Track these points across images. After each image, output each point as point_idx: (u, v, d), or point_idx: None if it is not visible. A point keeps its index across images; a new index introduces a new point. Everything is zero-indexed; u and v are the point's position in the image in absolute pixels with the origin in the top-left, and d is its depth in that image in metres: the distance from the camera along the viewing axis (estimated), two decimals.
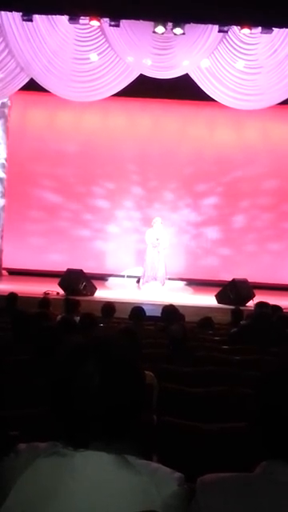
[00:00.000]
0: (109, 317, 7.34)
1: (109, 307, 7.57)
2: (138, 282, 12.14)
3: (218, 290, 10.90)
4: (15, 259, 13.37)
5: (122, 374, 1.28)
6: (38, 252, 13.55)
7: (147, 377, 3.06)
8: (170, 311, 6.79)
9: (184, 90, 11.61)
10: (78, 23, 10.34)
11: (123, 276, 13.37)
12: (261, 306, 6.57)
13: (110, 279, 13.22)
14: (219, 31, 10.34)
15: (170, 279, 12.13)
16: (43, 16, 10.34)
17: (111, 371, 1.27)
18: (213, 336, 6.44)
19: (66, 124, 13.93)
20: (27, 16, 10.17)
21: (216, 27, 10.27)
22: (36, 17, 10.26)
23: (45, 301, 7.85)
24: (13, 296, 7.77)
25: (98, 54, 10.86)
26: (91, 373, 1.25)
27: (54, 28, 10.54)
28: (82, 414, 1.24)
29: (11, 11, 10.20)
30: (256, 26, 10.09)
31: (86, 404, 1.24)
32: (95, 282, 11.14)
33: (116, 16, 10.03)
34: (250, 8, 9.24)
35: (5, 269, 13.40)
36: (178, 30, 10.06)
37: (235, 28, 10.35)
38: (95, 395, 1.24)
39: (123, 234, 13.94)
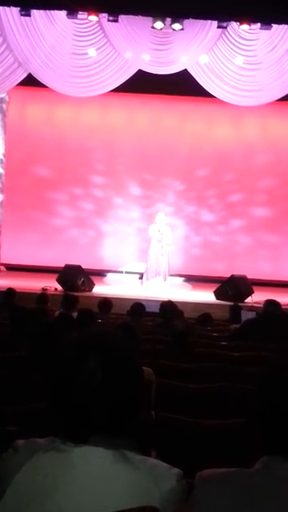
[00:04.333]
0: (106, 312, 7.34)
1: (105, 303, 7.57)
2: (141, 278, 12.13)
3: (216, 286, 10.90)
4: (13, 255, 13.35)
5: (123, 370, 1.28)
6: (37, 247, 13.53)
7: (145, 373, 3.05)
8: (169, 307, 6.79)
9: (183, 85, 11.57)
10: (77, 18, 10.30)
11: (122, 272, 13.36)
12: (272, 304, 6.39)
13: (109, 275, 13.21)
14: (218, 27, 10.33)
15: (169, 275, 12.12)
16: (41, 11, 10.31)
17: (112, 367, 1.27)
18: (211, 332, 6.44)
19: (64, 119, 13.90)
20: (25, 11, 10.15)
21: (215, 23, 10.26)
22: (34, 12, 10.24)
23: (43, 296, 7.85)
24: (11, 292, 7.77)
25: (97, 50, 10.83)
26: (93, 369, 1.25)
27: (52, 23, 10.51)
28: (83, 409, 1.24)
29: (9, 6, 10.18)
30: (255, 21, 10.08)
31: (87, 400, 1.24)
32: (93, 278, 11.13)
33: (114, 11, 10.02)
34: (250, 4, 9.24)
35: (3, 264, 13.39)
36: (176, 26, 10.03)
37: (234, 24, 10.33)
38: (97, 391, 1.24)
39: (121, 229, 13.93)
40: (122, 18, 10.17)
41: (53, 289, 10.29)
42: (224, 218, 14.05)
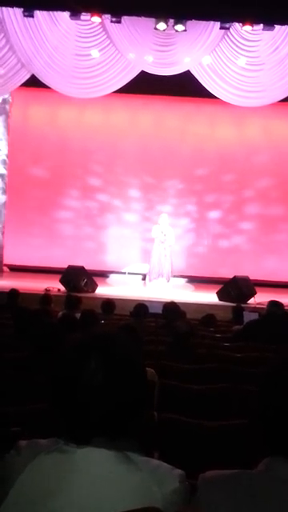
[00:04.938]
0: (109, 313, 7.33)
1: (108, 304, 7.56)
2: (144, 279, 12.13)
3: (219, 287, 10.89)
4: (16, 255, 13.37)
5: (125, 371, 1.28)
6: (40, 248, 13.55)
7: (148, 373, 3.05)
8: (171, 308, 6.78)
9: (185, 86, 11.58)
10: (80, 19, 10.32)
11: (124, 273, 13.37)
12: (274, 304, 6.39)
13: (112, 276, 13.22)
14: (221, 28, 10.33)
15: (172, 276, 12.12)
16: (44, 12, 10.33)
17: (114, 368, 1.27)
18: (214, 333, 6.44)
19: (67, 120, 13.92)
20: (28, 12, 10.18)
21: (218, 24, 10.27)
22: (37, 13, 10.26)
23: (46, 297, 7.85)
24: (14, 292, 7.77)
25: (100, 51, 10.84)
26: (95, 370, 1.25)
27: (55, 24, 10.53)
28: (85, 410, 1.24)
29: (12, 7, 10.20)
30: (258, 22, 10.08)
31: (89, 401, 1.24)
32: (96, 279, 11.13)
33: (117, 12, 10.03)
34: (252, 5, 9.23)
35: (6, 265, 13.41)
36: (179, 27, 10.04)
37: (237, 25, 10.33)
38: (99, 392, 1.24)
39: (124, 230, 13.94)
40: (124, 19, 10.18)
41: (56, 290, 10.28)
42: (227, 219, 14.04)
